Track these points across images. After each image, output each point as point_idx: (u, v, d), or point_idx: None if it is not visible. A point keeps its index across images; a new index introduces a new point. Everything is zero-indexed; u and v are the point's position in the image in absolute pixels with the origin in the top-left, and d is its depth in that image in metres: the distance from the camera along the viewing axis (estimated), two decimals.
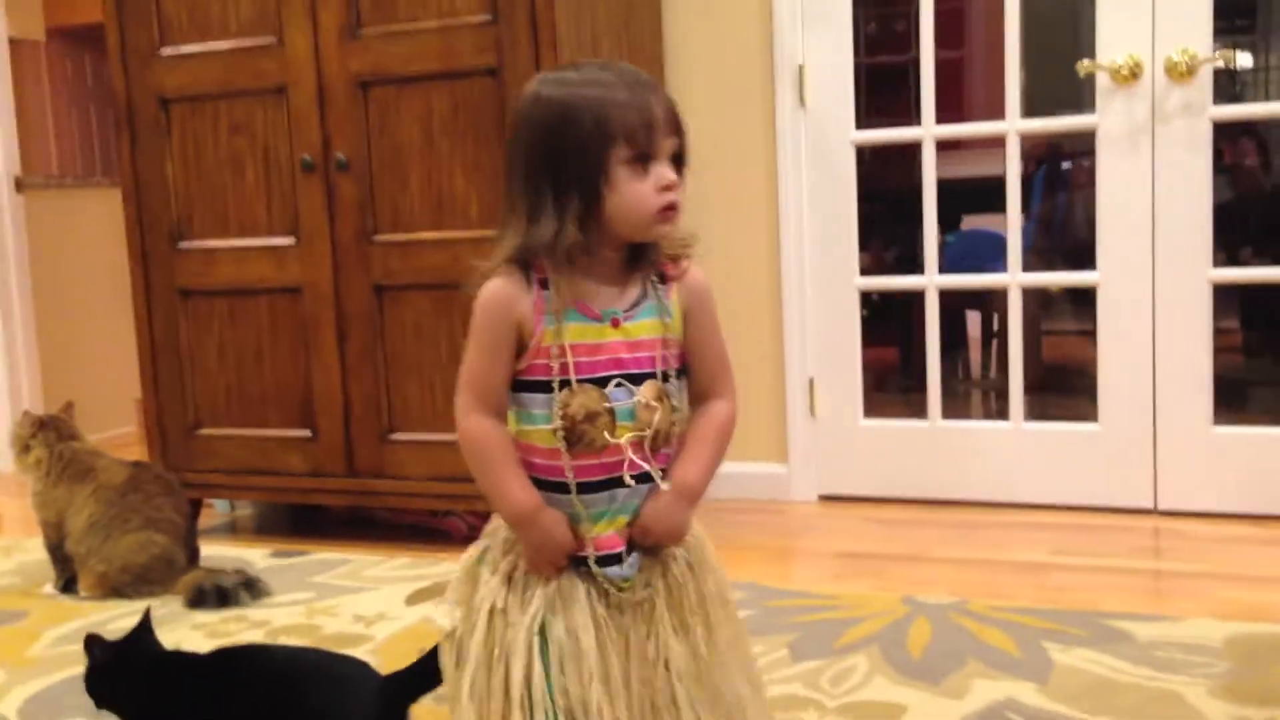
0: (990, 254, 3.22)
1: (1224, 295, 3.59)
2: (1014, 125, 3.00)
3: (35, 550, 2.85)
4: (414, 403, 2.84)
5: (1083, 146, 2.98)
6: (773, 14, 3.10)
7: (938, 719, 1.80)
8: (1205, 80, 2.79)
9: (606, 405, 1.21)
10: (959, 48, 5.69)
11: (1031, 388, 3.27)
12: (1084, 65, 2.88)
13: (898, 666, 2.01)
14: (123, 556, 2.53)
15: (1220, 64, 2.79)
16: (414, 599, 2.49)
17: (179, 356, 3.08)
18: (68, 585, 2.62)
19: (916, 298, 3.16)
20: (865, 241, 3.26)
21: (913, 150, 3.18)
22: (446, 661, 1.29)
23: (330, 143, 2.86)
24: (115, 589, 2.54)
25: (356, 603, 2.49)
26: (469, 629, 1.26)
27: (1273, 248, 4.08)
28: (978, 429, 3.20)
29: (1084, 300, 3.05)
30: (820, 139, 3.13)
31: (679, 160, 1.23)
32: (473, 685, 1.24)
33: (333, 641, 2.25)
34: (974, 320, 4.77)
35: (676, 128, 1.21)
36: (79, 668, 1.71)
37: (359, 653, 2.19)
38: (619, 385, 1.22)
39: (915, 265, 3.19)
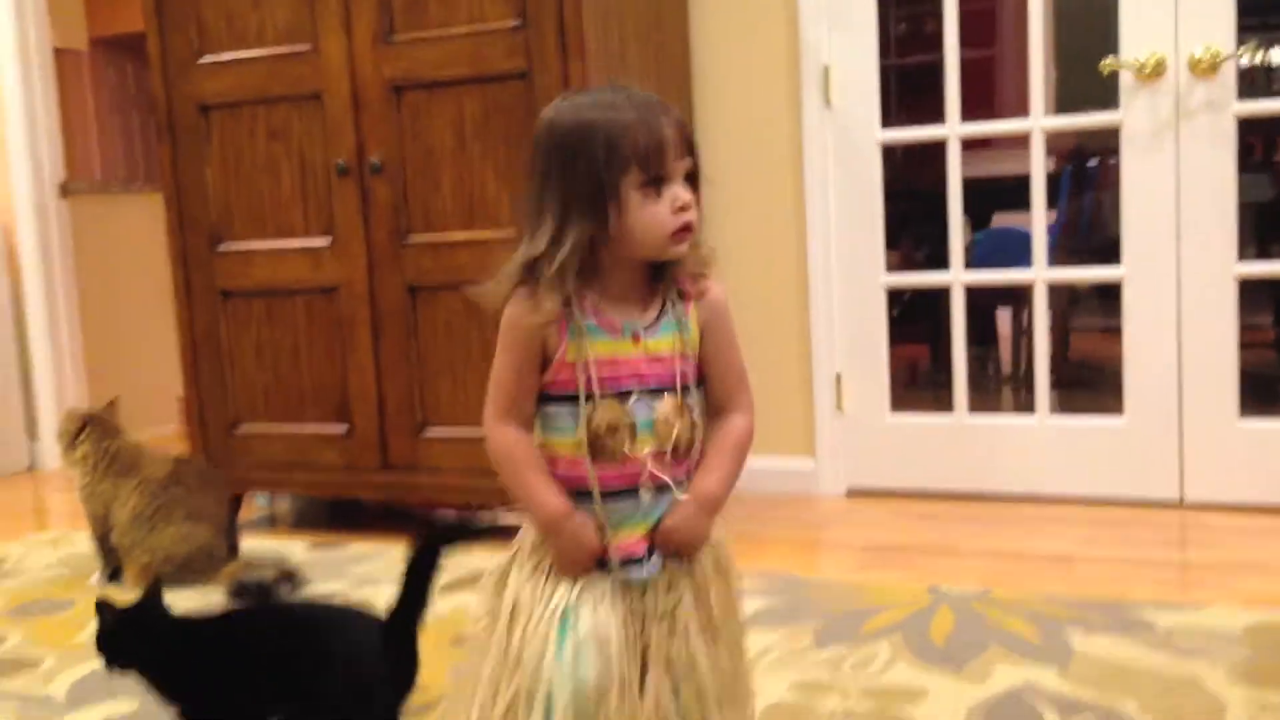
0: (1018, 251, 3.24)
1: (1256, 291, 3.59)
2: (1038, 123, 3.03)
3: (82, 543, 2.94)
4: (446, 398, 2.90)
5: (1110, 144, 3.00)
6: (798, 16, 3.14)
7: (958, 703, 1.84)
8: (1229, 76, 2.80)
9: (628, 419, 1.26)
10: (990, 47, 5.70)
11: (1060, 384, 3.29)
12: (1107, 63, 2.90)
13: (920, 653, 2.05)
14: (165, 548, 2.61)
15: (1244, 60, 2.80)
16: (448, 589, 2.54)
17: (219, 355, 3.16)
18: (113, 575, 2.71)
19: (947, 296, 3.19)
20: (897, 240, 3.30)
21: (945, 149, 3.21)
22: (470, 658, 1.33)
23: (364, 146, 2.93)
24: (159, 579, 2.61)
25: (390, 592, 2.55)
26: (493, 624, 1.31)
27: None
28: (1004, 423, 3.23)
29: (1112, 297, 3.06)
30: (846, 138, 3.17)
31: (693, 179, 1.27)
32: (491, 676, 1.29)
33: None
34: (1004, 318, 4.78)
35: (689, 148, 1.25)
36: None
37: None
38: (640, 398, 1.26)
39: (945, 263, 3.22)
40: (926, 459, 3.20)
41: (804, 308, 3.22)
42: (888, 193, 3.18)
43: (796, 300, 3.23)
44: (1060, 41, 4.87)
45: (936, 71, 3.11)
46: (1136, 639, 2.05)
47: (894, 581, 2.48)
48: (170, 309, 3.28)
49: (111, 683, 2.04)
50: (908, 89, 4.86)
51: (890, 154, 3.20)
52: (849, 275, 3.20)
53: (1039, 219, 3.06)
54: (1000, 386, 4.59)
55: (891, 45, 4.90)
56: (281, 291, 3.07)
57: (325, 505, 3.47)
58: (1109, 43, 2.91)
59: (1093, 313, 4.76)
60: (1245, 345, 2.95)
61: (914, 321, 4.58)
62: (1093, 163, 4.44)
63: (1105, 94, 2.95)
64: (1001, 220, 4.53)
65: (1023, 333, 4.54)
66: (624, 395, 1.26)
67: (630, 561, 1.28)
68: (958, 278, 3.16)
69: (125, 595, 1.75)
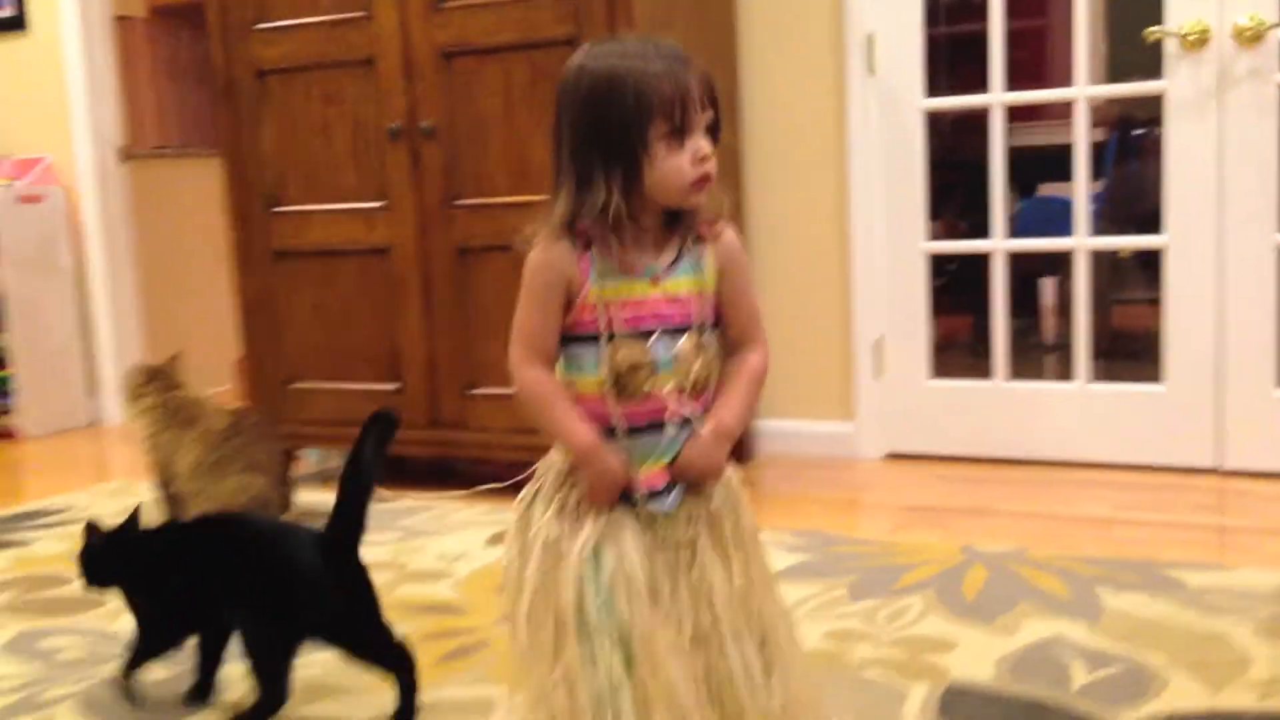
0: (1063, 220, 3.25)
1: None
2: (1082, 91, 3.04)
3: (142, 493, 3.04)
4: (494, 358, 2.95)
5: (1156, 114, 3.00)
6: None
7: (987, 653, 1.89)
8: (1273, 46, 2.80)
9: (648, 357, 1.32)
10: (1042, 16, 5.66)
11: (1101, 353, 3.31)
12: (1151, 32, 2.91)
13: (951, 607, 2.10)
14: (225, 498, 2.71)
15: None
16: (494, 541, 2.63)
17: (274, 314, 3.25)
18: None
19: (990, 266, 3.22)
20: (944, 209, 3.31)
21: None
22: (505, 595, 1.39)
23: (416, 111, 3.00)
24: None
25: (440, 543, 2.65)
26: (524, 562, 1.36)
27: None
28: (1043, 389, 3.26)
29: (1155, 268, 3.08)
30: (890, 106, 3.20)
31: (714, 130, 1.32)
32: (530, 613, 1.34)
33: (416, 577, 2.41)
34: (1049, 289, 4.78)
35: (710, 100, 1.30)
36: None
37: (440, 587, 2.35)
38: (660, 338, 1.32)
39: (989, 233, 3.24)
40: (965, 424, 3.24)
41: (846, 273, 3.26)
42: (938, 163, 3.20)
43: (838, 265, 3.27)
44: (1111, 12, 4.85)
45: (986, 41, 3.12)
46: (1167, 597, 2.09)
47: (929, 541, 2.53)
48: (226, 270, 3.38)
49: None
50: (959, 58, 4.85)
51: (939, 124, 3.22)
52: (891, 241, 3.24)
53: (1081, 185, 3.08)
54: (1043, 357, 4.60)
55: (940, 14, 4.88)
56: (335, 253, 3.15)
57: None
58: (1158, 13, 2.92)
59: (1136, 285, 4.74)
60: None
61: (958, 293, 4.59)
62: (1138, 132, 4.42)
63: (1154, 64, 2.96)
64: (1048, 191, 4.53)
65: (1066, 304, 4.54)
66: (645, 335, 1.32)
67: (653, 495, 1.34)
68: (999, 244, 3.19)
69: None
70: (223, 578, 1.75)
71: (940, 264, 3.24)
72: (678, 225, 1.35)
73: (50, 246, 4.40)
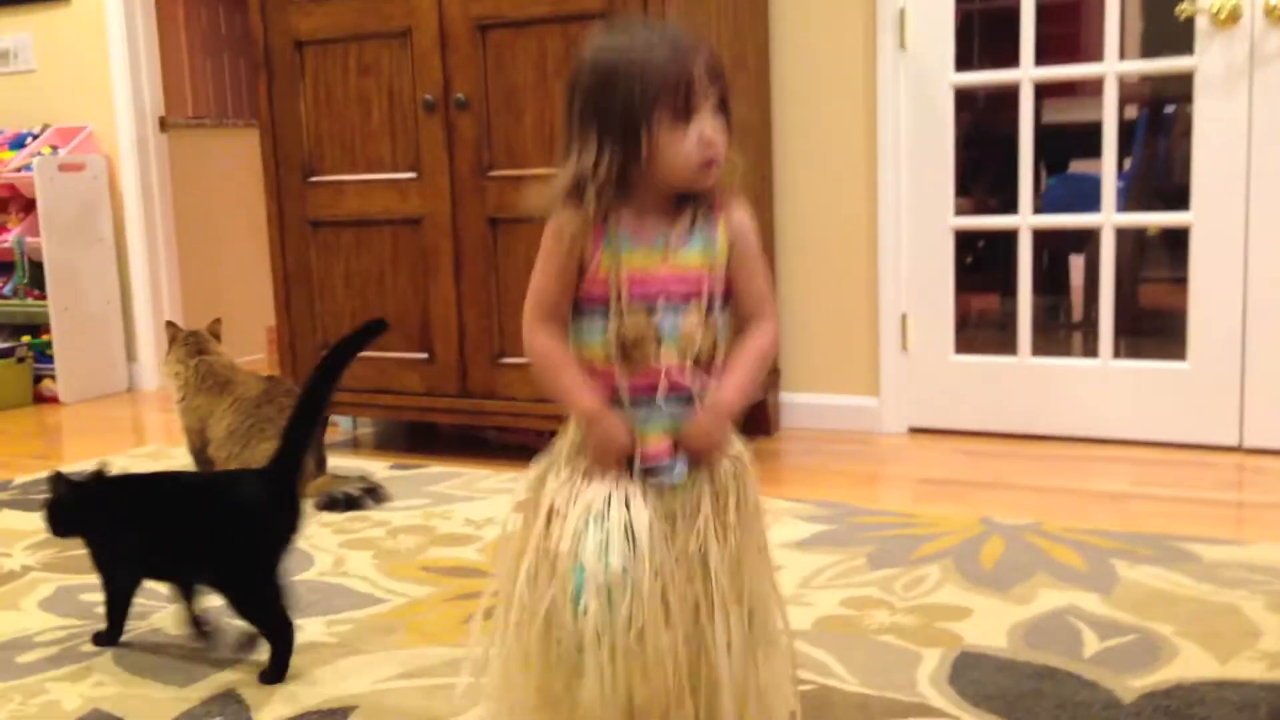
0: (1091, 197, 3.26)
1: None
2: (1112, 67, 3.05)
3: (179, 456, 3.12)
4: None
5: (1187, 91, 3.00)
6: None
7: (1001, 621, 1.93)
8: None
9: (654, 330, 1.35)
10: None
11: (1126, 331, 3.32)
12: (1183, 8, 2.91)
13: (968, 576, 2.14)
14: (259, 462, 2.77)
15: None
16: (520, 508, 2.68)
17: (309, 282, 3.31)
18: None
19: (1017, 243, 3.23)
20: (975, 185, 3.32)
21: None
22: (505, 559, 1.43)
23: (450, 83, 3.04)
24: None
25: (468, 509, 2.70)
26: (530, 525, 1.40)
27: None
28: (1066, 366, 3.27)
29: (1183, 247, 3.08)
30: (920, 81, 3.21)
31: (725, 106, 1.35)
32: (529, 573, 1.37)
33: (445, 540, 2.47)
34: (1077, 266, 4.78)
35: (716, 80, 1.34)
36: None
37: (467, 550, 2.41)
38: (666, 311, 1.36)
39: (1017, 209, 3.26)
40: (989, 400, 3.26)
41: (872, 248, 3.29)
42: (970, 139, 3.21)
43: (865, 240, 3.30)
44: None
45: (1019, 17, 3.12)
46: (1181, 570, 2.12)
47: (948, 512, 2.56)
48: (262, 239, 3.44)
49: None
50: (991, 34, 4.84)
51: (972, 101, 3.23)
52: (918, 217, 3.26)
53: (1109, 163, 3.09)
54: (1070, 334, 4.60)
55: None
56: (369, 222, 3.21)
57: (404, 429, 3.63)
58: None
59: (1163, 264, 4.73)
60: None
61: (986, 270, 4.60)
62: (1169, 109, 4.41)
63: (1187, 41, 2.96)
64: (1079, 168, 4.52)
65: (1094, 281, 4.54)
66: (652, 308, 1.36)
67: (659, 467, 1.38)
68: (1025, 221, 3.21)
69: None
70: (177, 533, 1.86)
71: (968, 242, 3.25)
72: (688, 202, 1.39)
73: (90, 214, 4.48)
